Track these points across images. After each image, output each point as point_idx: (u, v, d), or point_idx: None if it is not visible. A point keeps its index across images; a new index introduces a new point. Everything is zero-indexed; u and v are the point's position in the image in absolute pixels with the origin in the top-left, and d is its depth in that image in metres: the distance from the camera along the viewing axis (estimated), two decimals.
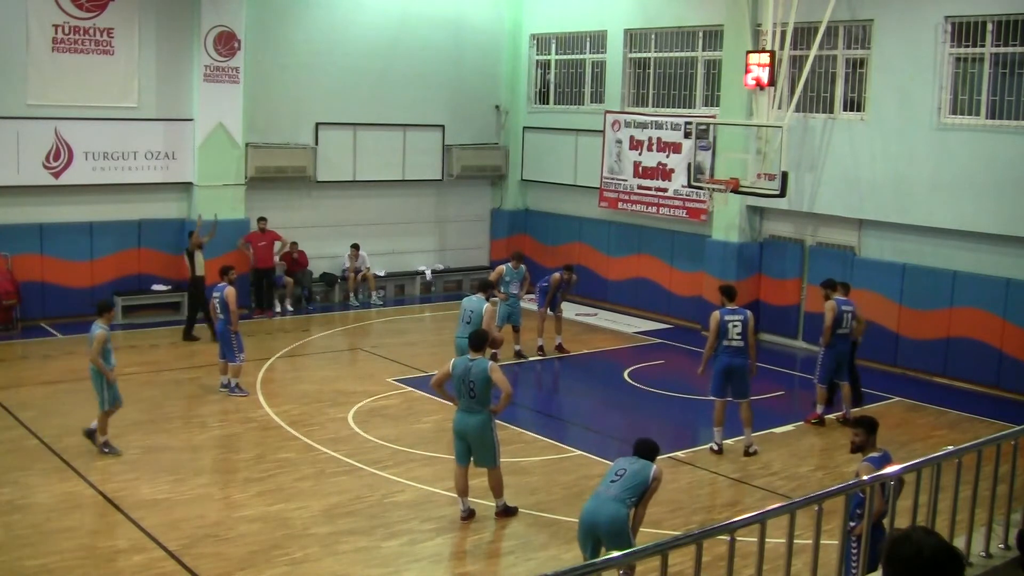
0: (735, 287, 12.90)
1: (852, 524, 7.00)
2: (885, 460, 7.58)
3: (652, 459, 8.15)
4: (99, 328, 11.48)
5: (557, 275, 16.96)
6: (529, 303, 18.47)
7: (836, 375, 13.55)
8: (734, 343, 12.07)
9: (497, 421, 13.22)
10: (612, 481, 7.96)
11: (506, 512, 10.13)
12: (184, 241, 18.13)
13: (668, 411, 14.39)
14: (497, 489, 10.09)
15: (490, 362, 9.89)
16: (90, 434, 11.73)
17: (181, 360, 15.93)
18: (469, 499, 10.09)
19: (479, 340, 10.03)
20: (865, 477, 6.57)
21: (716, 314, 12.18)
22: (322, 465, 11.51)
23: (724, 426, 12.25)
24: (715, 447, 12.26)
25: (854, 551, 7.18)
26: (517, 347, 16.57)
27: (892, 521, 6.83)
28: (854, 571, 7.18)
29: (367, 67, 20.81)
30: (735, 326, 12.06)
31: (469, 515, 10.03)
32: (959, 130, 15.44)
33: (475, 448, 9.92)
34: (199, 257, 17.40)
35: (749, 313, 12.37)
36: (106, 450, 11.59)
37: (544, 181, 22.52)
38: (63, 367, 15.29)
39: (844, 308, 13.43)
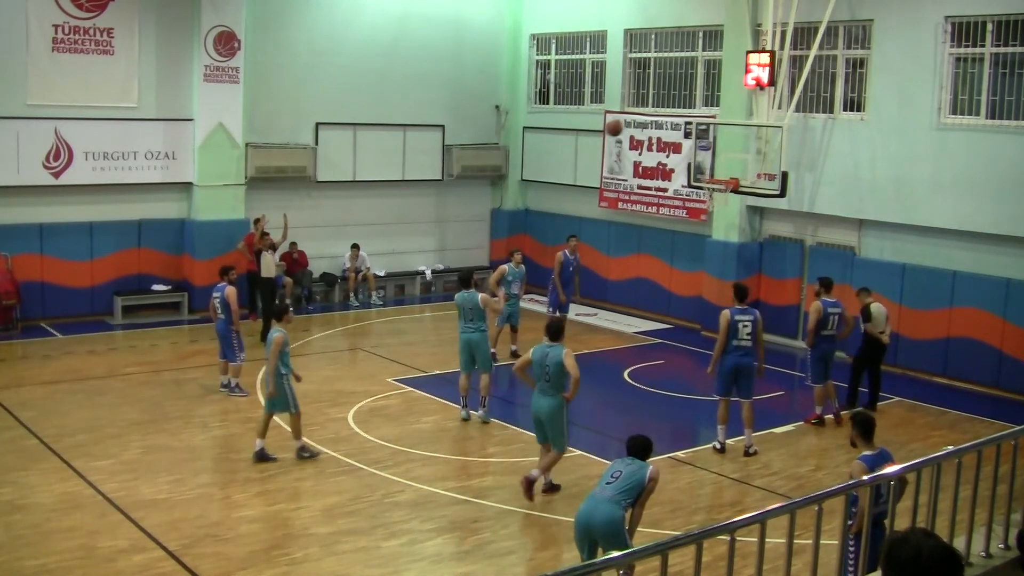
0: (747, 287, 12.91)
1: (849, 523, 6.99)
2: (881, 459, 7.55)
3: (646, 457, 8.13)
4: (277, 331, 11.57)
5: (559, 254, 16.95)
6: (530, 304, 18.48)
7: (828, 374, 13.55)
8: (743, 343, 12.12)
9: (497, 420, 13.30)
10: (608, 483, 7.92)
11: (551, 488, 10.77)
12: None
13: (668, 411, 14.39)
14: (549, 467, 10.66)
15: (565, 348, 10.27)
16: (301, 451, 11.64)
17: (181, 360, 15.92)
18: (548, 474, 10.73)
19: (556, 329, 10.58)
20: (864, 477, 6.56)
21: (726, 313, 12.17)
22: (322, 465, 11.51)
23: (727, 424, 12.29)
24: (718, 445, 12.30)
25: (851, 551, 7.17)
26: (514, 347, 16.48)
27: (892, 522, 6.83)
28: (852, 571, 7.17)
29: (367, 67, 20.80)
30: (745, 326, 12.09)
31: (552, 488, 10.74)
32: (959, 130, 15.44)
33: (548, 428, 10.48)
34: (267, 258, 17.23)
35: (758, 313, 12.43)
36: (305, 455, 11.57)
37: (544, 181, 22.51)
38: (63, 367, 15.30)
39: (831, 310, 13.45)
